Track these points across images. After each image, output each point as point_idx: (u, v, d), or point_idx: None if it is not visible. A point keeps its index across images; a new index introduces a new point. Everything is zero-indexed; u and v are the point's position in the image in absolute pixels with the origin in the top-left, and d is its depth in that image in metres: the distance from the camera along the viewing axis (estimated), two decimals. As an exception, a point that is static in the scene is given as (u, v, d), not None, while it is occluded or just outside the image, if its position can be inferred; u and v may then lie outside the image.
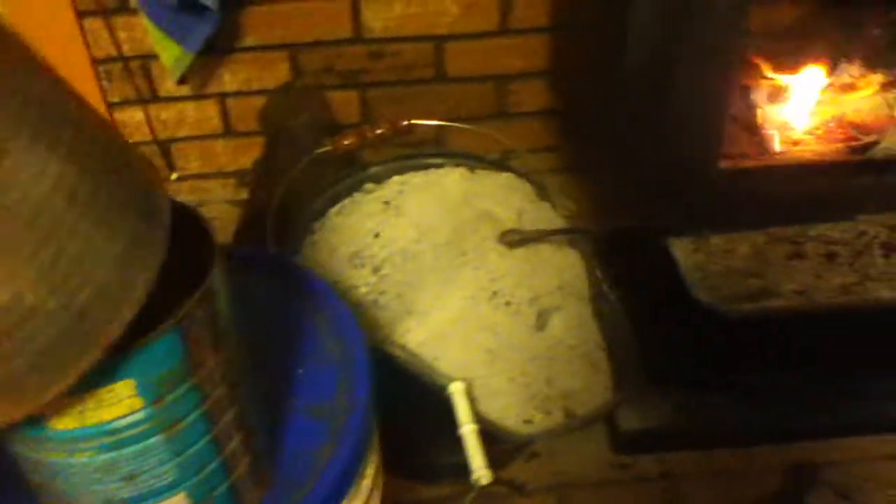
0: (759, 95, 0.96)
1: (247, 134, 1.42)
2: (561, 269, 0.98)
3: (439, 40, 1.35)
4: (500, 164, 1.12)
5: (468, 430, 0.81)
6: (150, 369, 0.50)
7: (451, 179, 1.03)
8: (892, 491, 1.02)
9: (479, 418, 0.84)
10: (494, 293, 0.92)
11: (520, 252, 0.97)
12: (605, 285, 0.96)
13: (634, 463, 1.05)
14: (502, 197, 1.03)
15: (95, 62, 1.32)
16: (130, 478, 0.54)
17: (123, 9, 1.26)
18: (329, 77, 1.37)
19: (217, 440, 0.58)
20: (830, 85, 0.98)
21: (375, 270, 0.96)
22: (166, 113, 1.39)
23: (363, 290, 0.95)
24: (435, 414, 0.87)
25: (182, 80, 1.33)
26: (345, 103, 1.40)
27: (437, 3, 1.30)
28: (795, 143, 0.94)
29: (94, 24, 1.28)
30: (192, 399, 0.54)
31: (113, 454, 0.52)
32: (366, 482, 0.73)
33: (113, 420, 0.50)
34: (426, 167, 1.11)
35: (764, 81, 0.97)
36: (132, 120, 1.39)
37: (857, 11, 0.99)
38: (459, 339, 0.89)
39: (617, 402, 0.90)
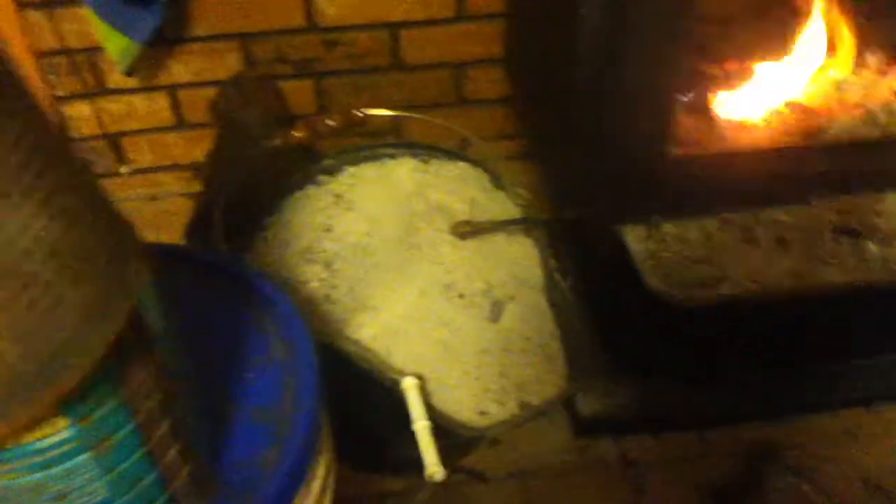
0: (709, 81, 0.95)
1: (200, 126, 1.39)
2: (515, 259, 0.97)
3: (395, 27, 1.32)
4: (454, 154, 1.11)
5: (421, 427, 0.80)
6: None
7: (403, 171, 1.02)
8: (847, 467, 1.03)
9: (433, 412, 0.84)
10: (447, 286, 0.92)
11: (473, 243, 0.96)
12: (559, 274, 0.95)
13: (594, 446, 1.06)
14: (455, 188, 1.02)
15: (39, 56, 1.28)
16: (60, 498, 0.52)
17: (66, 0, 1.23)
18: (282, 66, 1.34)
19: (152, 454, 0.56)
20: (782, 69, 0.98)
21: (327, 265, 0.94)
22: (115, 106, 1.35)
23: (315, 285, 0.94)
24: (391, 408, 0.86)
25: (130, 73, 1.29)
26: (300, 93, 1.38)
27: (392, -12, 1.28)
28: (746, 128, 0.94)
29: (36, 17, 1.24)
30: (121, 414, 0.52)
31: (39, 475, 0.51)
32: (316, 483, 0.72)
33: (35, 441, 0.49)
34: (380, 158, 1.10)
35: (714, 67, 0.96)
36: (80, 114, 1.35)
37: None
38: (412, 333, 0.88)
39: (570, 392, 0.90)
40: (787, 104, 0.98)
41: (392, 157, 1.09)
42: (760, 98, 0.98)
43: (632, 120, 0.86)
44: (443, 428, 0.83)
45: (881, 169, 0.95)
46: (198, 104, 1.36)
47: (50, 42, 1.26)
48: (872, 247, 0.89)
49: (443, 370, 0.87)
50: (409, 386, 0.83)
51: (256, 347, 0.74)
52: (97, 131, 1.37)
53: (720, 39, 0.95)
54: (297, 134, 1.12)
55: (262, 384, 0.72)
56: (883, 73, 1.01)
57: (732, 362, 0.98)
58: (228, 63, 1.33)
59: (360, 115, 1.17)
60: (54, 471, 0.51)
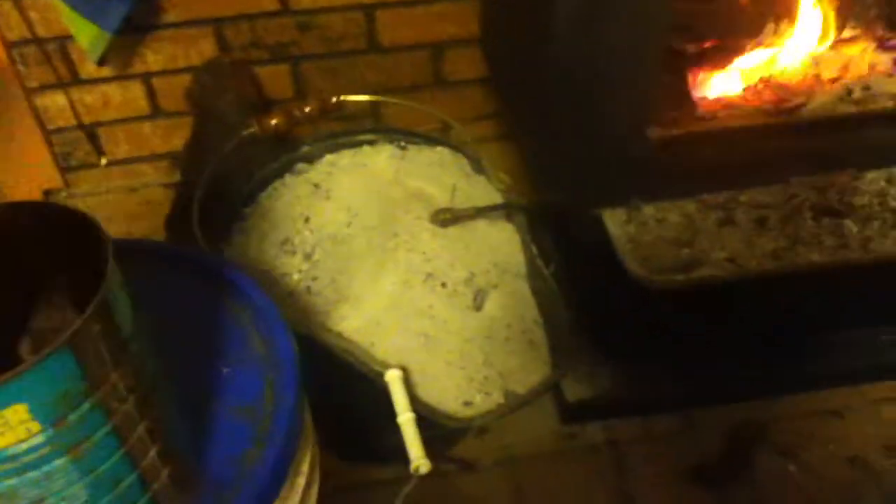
0: (686, 61, 0.94)
1: (176, 114, 1.37)
2: (496, 245, 0.97)
3: (369, 9, 1.31)
4: (433, 139, 1.10)
5: (405, 419, 0.80)
6: (42, 392, 0.47)
7: (381, 158, 1.01)
8: (833, 446, 1.04)
9: (418, 404, 0.84)
10: (429, 275, 0.91)
11: (454, 231, 0.96)
12: (541, 261, 0.95)
13: (581, 432, 1.06)
14: (434, 174, 1.01)
15: (8, 46, 1.25)
16: (38, 502, 0.52)
17: (33, -13, 1.20)
18: (257, 52, 1.32)
19: (130, 455, 0.56)
20: (758, 47, 0.97)
21: (307, 257, 0.93)
22: (90, 96, 1.33)
23: (295, 277, 0.93)
24: (375, 399, 0.86)
25: (102, 62, 1.27)
26: (276, 78, 1.36)
27: (365, -30, 1.26)
28: (724, 107, 0.94)
29: (3, 5, 1.21)
30: (96, 417, 0.52)
31: (14, 481, 0.50)
32: (300, 479, 0.72)
33: (8, 447, 0.48)
34: (359, 144, 1.09)
35: (690, 45, 0.96)
36: (54, 105, 1.33)
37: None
38: (394, 323, 0.88)
39: (554, 380, 0.90)
40: (764, 82, 0.97)
41: (370, 143, 1.08)
42: (737, 76, 0.98)
43: (609, 101, 0.86)
44: (428, 419, 0.83)
45: (859, 146, 0.95)
46: (173, 92, 1.34)
47: (19, 31, 1.24)
48: (852, 226, 0.89)
49: (426, 360, 0.87)
50: (392, 378, 0.82)
51: (235, 343, 0.73)
52: (73, 122, 1.34)
53: (697, 18, 0.94)
54: (273, 121, 1.10)
55: (242, 380, 0.71)
56: (860, 48, 1.01)
57: (715, 344, 0.98)
58: (202, 49, 1.31)
59: (336, 101, 1.15)
60: (29, 476, 0.50)
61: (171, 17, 1.26)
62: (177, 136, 1.39)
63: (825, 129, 0.92)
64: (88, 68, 1.29)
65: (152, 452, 0.58)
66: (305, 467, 0.73)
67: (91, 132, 1.37)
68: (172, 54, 1.30)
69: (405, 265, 0.91)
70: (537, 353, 0.91)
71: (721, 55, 0.96)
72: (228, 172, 1.09)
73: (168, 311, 0.68)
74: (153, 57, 1.30)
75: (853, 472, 1.00)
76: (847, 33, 1.00)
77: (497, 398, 0.87)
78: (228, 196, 1.06)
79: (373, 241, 0.92)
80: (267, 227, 0.98)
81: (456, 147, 1.10)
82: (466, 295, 0.91)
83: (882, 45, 1.02)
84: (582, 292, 0.95)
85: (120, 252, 0.54)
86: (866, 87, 0.94)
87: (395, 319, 0.88)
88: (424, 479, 0.80)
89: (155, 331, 0.59)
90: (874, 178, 0.94)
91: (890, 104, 0.91)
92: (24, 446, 0.49)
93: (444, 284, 0.91)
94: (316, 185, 0.99)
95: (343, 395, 0.88)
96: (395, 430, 0.83)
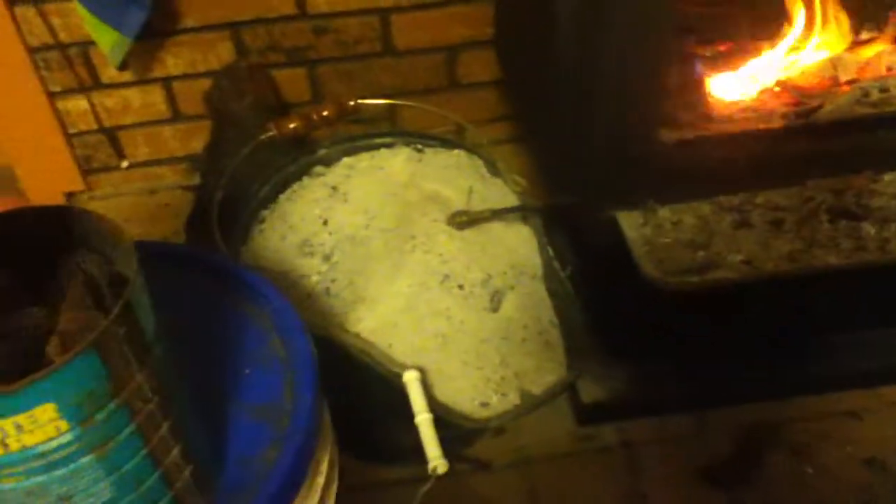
0: (700, 63, 0.94)
1: (196, 118, 1.39)
2: (512, 247, 0.98)
3: (384, 13, 1.32)
4: (449, 142, 1.10)
5: (423, 420, 0.81)
6: (69, 391, 0.49)
7: (397, 161, 1.02)
8: (850, 447, 1.03)
9: (435, 405, 0.84)
10: (446, 276, 0.92)
11: (470, 233, 0.96)
12: (556, 262, 0.95)
13: (596, 432, 1.06)
14: (451, 176, 1.02)
15: (31, 51, 1.27)
16: (65, 498, 0.53)
17: (55, -6, 1.22)
18: (274, 55, 1.34)
19: (153, 454, 0.57)
20: (774, 49, 0.97)
21: (326, 258, 0.95)
22: (110, 100, 1.35)
23: (315, 279, 0.94)
24: (392, 399, 0.87)
25: (123, 66, 1.29)
26: (293, 81, 1.37)
27: (381, -25, 1.27)
28: (740, 110, 0.94)
29: (27, 12, 1.23)
30: (121, 416, 0.53)
31: (42, 478, 0.51)
32: (319, 479, 0.73)
33: (37, 444, 0.49)
34: (376, 147, 1.10)
35: (705, 48, 0.96)
36: (76, 109, 1.35)
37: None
38: (411, 324, 0.89)
39: (570, 381, 0.91)
40: (780, 84, 0.97)
41: (387, 146, 1.09)
42: (753, 78, 0.98)
43: (623, 103, 0.86)
44: (445, 420, 0.83)
45: (876, 148, 0.94)
46: (192, 96, 1.36)
47: (41, 37, 1.26)
48: (869, 228, 0.89)
49: (443, 361, 0.87)
50: (410, 379, 0.83)
51: (253, 344, 0.74)
52: (94, 126, 1.37)
53: (711, 19, 0.94)
54: (290, 124, 1.11)
55: (261, 381, 0.72)
56: (877, 50, 1.01)
57: (729, 345, 0.98)
58: (220, 53, 1.32)
59: (353, 104, 1.17)
60: (57, 473, 0.52)
61: (189, 22, 1.28)
62: (196, 140, 1.40)
63: (842, 132, 0.92)
64: (109, 73, 1.31)
65: (175, 452, 0.59)
66: (324, 467, 0.74)
67: (112, 135, 1.39)
68: (191, 59, 1.32)
69: (422, 267, 0.91)
70: (553, 353, 0.92)
71: (736, 57, 0.96)
72: (247, 175, 1.10)
73: (187, 314, 0.70)
74: (173, 61, 1.32)
75: (870, 474, 1.00)
76: (864, 35, 1.00)
77: (513, 399, 0.88)
78: (247, 199, 1.07)
79: (390, 243, 0.93)
80: (285, 230, 0.99)
81: (471, 149, 1.11)
82: (483, 296, 0.92)
83: (899, 47, 1.01)
84: (597, 294, 0.95)
85: (141, 254, 0.55)
86: (884, 89, 0.93)
87: (411, 320, 0.89)
88: (439, 479, 0.81)
89: (175, 332, 0.61)
90: (892, 181, 0.94)
91: (907, 106, 0.91)
92: (53, 444, 0.50)
93: (460, 286, 0.91)
94: (334, 188, 1.00)
95: (360, 396, 0.89)
96: (412, 430, 0.84)
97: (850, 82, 0.97)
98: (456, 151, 1.09)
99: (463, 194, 0.99)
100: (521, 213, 1.01)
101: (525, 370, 0.90)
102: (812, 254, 0.87)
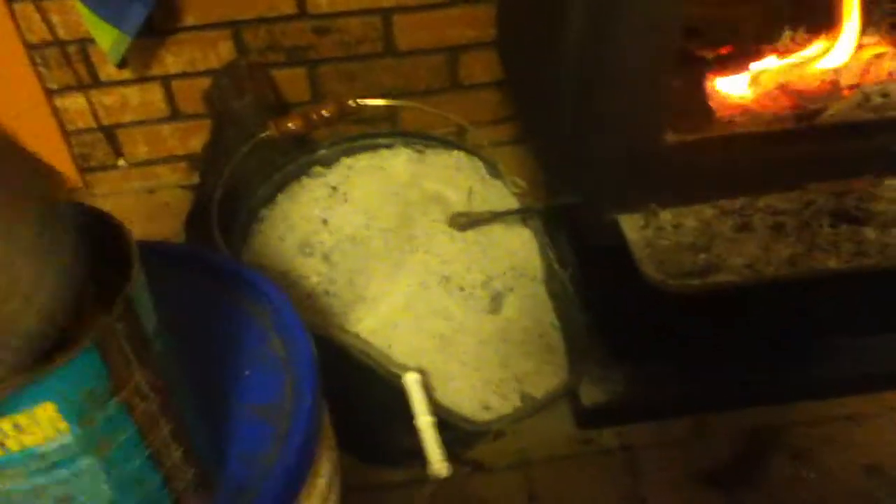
0: (703, 65, 0.94)
1: (195, 117, 1.39)
2: (513, 249, 0.97)
3: (386, 13, 1.31)
4: (450, 143, 1.10)
5: (424, 423, 0.80)
6: (69, 390, 0.48)
7: (398, 162, 1.02)
8: (850, 452, 1.03)
9: (436, 407, 0.84)
10: (446, 278, 0.92)
11: (471, 234, 0.96)
12: (556, 264, 0.95)
13: (596, 435, 1.06)
14: (451, 177, 1.01)
15: (30, 48, 1.27)
16: (63, 501, 0.53)
17: (54, -10, 1.21)
18: (275, 55, 1.34)
19: (154, 456, 0.57)
20: (775, 52, 0.97)
21: (325, 258, 0.94)
22: (109, 98, 1.35)
23: (314, 279, 0.94)
24: (393, 401, 0.87)
25: (123, 64, 1.29)
26: (293, 81, 1.37)
27: (382, -26, 1.27)
28: (741, 113, 0.94)
29: (26, 9, 1.23)
30: (121, 417, 0.53)
31: (42, 479, 0.51)
32: (319, 481, 0.72)
33: (37, 445, 0.49)
34: (376, 147, 1.09)
35: (709, 51, 0.96)
36: (74, 106, 1.34)
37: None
38: (412, 326, 0.89)
39: (571, 385, 0.90)
40: (782, 87, 0.97)
41: (387, 146, 1.08)
42: (755, 82, 0.98)
43: (624, 105, 0.86)
44: (446, 422, 0.83)
45: (877, 152, 0.94)
46: (191, 94, 1.36)
47: (40, 34, 1.26)
48: (870, 232, 0.89)
49: (443, 362, 0.87)
50: (410, 380, 0.83)
51: (254, 344, 0.74)
52: (92, 124, 1.36)
53: (714, 22, 0.94)
54: (290, 124, 1.11)
55: (261, 381, 0.72)
56: (879, 54, 1.01)
57: (730, 349, 0.98)
58: (220, 52, 1.32)
59: (354, 104, 1.16)
60: (57, 474, 0.51)
61: (189, 20, 1.28)
62: (195, 138, 1.40)
63: (843, 136, 0.92)
64: (108, 70, 1.31)
65: (176, 453, 0.59)
66: (325, 469, 0.73)
67: (110, 133, 1.39)
68: (191, 57, 1.32)
69: (422, 267, 0.91)
70: (554, 356, 0.92)
71: (738, 60, 0.96)
72: (246, 175, 1.09)
73: (187, 313, 0.69)
74: (172, 59, 1.32)
75: (870, 481, 1.00)
76: (866, 40, 1.00)
77: (514, 401, 0.88)
78: (246, 198, 1.07)
79: (390, 244, 0.92)
80: (285, 230, 0.99)
81: (472, 151, 1.10)
82: (483, 298, 0.92)
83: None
84: (598, 296, 0.95)
85: (140, 253, 0.55)
86: (884, 94, 0.93)
87: (411, 321, 0.88)
88: (440, 482, 0.81)
89: (175, 331, 0.60)
90: (892, 185, 0.94)
91: (908, 111, 0.91)
92: (54, 445, 0.50)
93: (460, 287, 0.91)
94: (334, 188, 1.00)
95: (361, 397, 0.88)
96: (412, 432, 0.84)
97: (851, 87, 0.97)
98: (456, 152, 1.09)
99: (463, 195, 0.99)
100: (521, 214, 1.01)
101: (525, 372, 0.89)
102: (813, 257, 0.87)
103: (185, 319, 0.65)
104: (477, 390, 0.86)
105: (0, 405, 0.46)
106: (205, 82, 1.33)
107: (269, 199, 1.06)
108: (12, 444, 0.48)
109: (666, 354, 0.99)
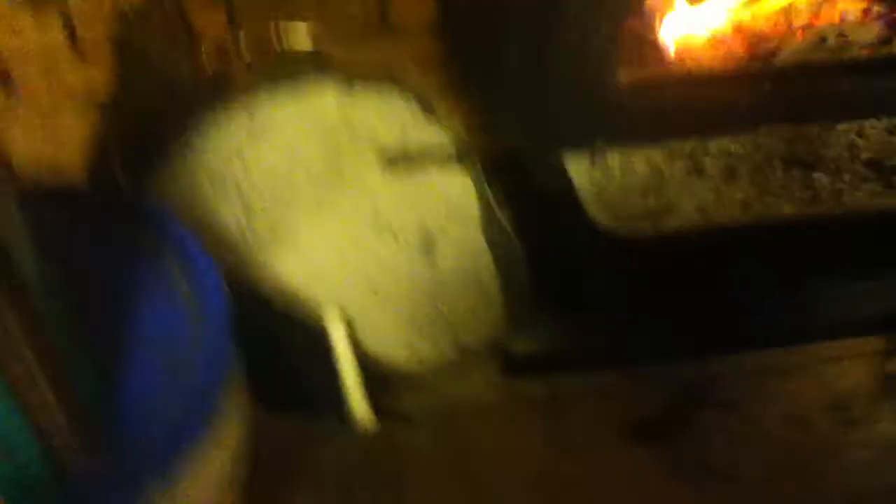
0: (656, 4, 0.89)
1: (99, 51, 1.26)
2: (449, 192, 0.91)
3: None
4: (382, 81, 1.02)
5: (348, 371, 0.74)
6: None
7: (325, 99, 0.93)
8: (778, 404, 1.02)
9: (362, 355, 0.78)
10: (377, 221, 0.84)
11: (404, 176, 0.89)
12: (496, 207, 0.89)
13: (524, 385, 1.01)
14: (384, 116, 0.94)
15: None
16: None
17: None
18: (189, -19, 1.21)
19: (30, 409, 0.48)
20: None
21: (242, 199, 0.86)
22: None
23: (230, 220, 0.85)
24: (317, 350, 0.80)
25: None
26: (208, 12, 1.25)
27: None
28: (694, 53, 0.89)
29: None
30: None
31: None
32: (230, 429, 0.65)
33: None
34: (300, 85, 1.00)
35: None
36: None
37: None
38: (338, 270, 0.82)
39: (505, 334, 0.85)
40: (736, 28, 0.93)
41: (313, 83, 0.99)
42: (708, 22, 0.93)
43: (574, 42, 0.80)
44: (371, 372, 0.76)
45: (831, 96, 0.91)
46: (93, 27, 1.22)
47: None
48: (823, 178, 0.86)
49: (371, 309, 0.81)
50: (334, 329, 0.76)
51: (156, 284, 0.67)
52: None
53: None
54: (206, 63, 1.01)
55: (164, 322, 0.65)
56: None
57: (670, 299, 0.93)
58: (129, -22, 1.19)
59: (277, 48, 1.06)
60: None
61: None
62: (98, 75, 1.27)
63: (797, 77, 0.88)
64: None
65: (55, 409, 0.50)
66: (234, 415, 0.66)
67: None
68: (94, -18, 1.19)
69: (351, 209, 0.84)
70: (489, 302, 0.86)
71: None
72: (157, 114, 1.00)
73: (91, 257, 0.62)
74: (71, -17, 1.18)
75: (790, 427, 0.99)
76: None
77: (444, 347, 0.82)
78: (159, 138, 0.97)
79: (316, 185, 0.85)
80: (199, 170, 0.90)
81: (405, 90, 1.02)
82: (415, 242, 0.85)
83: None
84: (539, 241, 0.89)
85: (34, 197, 0.47)
86: (841, 35, 0.90)
87: (338, 265, 0.82)
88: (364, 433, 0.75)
89: (67, 277, 0.52)
90: (845, 131, 0.91)
91: (864, 53, 0.88)
92: None
93: (391, 231, 0.84)
94: (254, 127, 0.91)
95: (278, 347, 0.81)
96: (336, 381, 0.77)
97: (803, 28, 0.93)
98: (388, 91, 1.01)
99: (396, 135, 0.91)
100: (458, 155, 0.94)
101: (459, 319, 0.83)
102: (765, 202, 0.83)
103: (74, 262, 0.56)
104: (407, 338, 0.80)
105: None
106: (108, 12, 1.20)
107: (183, 140, 0.96)
108: None
109: (606, 304, 0.93)
